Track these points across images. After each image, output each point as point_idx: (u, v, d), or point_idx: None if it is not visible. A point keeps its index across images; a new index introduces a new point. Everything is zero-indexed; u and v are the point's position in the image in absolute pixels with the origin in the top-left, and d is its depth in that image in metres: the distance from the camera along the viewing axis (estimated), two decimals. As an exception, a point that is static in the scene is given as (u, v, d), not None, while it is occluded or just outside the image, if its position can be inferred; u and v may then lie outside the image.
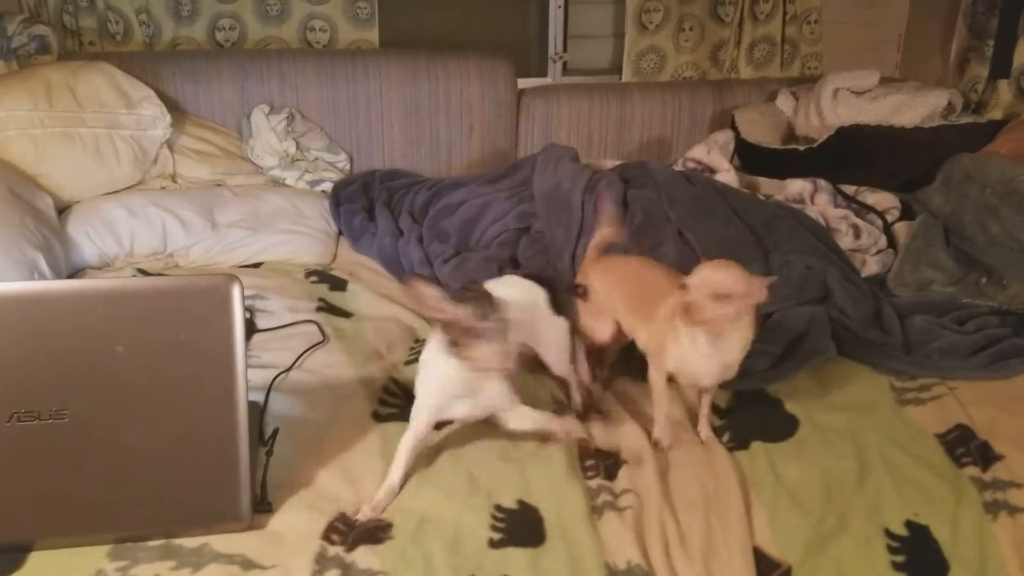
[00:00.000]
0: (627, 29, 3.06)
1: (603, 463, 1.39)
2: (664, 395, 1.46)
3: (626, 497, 1.31)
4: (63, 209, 2.15)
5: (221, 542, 1.17)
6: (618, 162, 2.54)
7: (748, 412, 1.56)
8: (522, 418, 1.36)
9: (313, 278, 2.04)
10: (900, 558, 1.23)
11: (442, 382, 1.30)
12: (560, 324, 1.50)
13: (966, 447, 1.44)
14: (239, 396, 1.16)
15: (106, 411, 1.13)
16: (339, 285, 2.00)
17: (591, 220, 2.04)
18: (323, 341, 1.73)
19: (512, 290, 1.42)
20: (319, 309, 1.86)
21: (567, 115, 2.89)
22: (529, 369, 1.56)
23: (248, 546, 1.17)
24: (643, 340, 1.49)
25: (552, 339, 1.50)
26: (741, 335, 1.35)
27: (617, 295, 1.55)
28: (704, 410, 1.48)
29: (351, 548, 1.19)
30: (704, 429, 1.48)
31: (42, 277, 1.80)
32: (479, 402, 1.32)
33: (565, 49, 3.21)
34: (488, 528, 1.24)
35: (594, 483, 1.34)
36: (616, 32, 3.22)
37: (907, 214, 2.31)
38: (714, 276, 1.29)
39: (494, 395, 1.32)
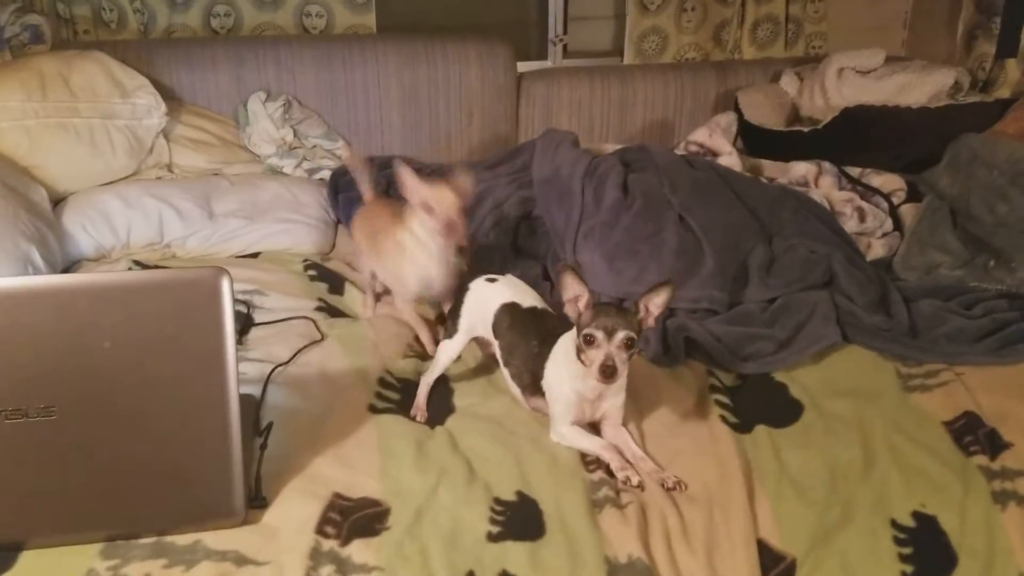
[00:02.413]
0: (628, 10, 3.02)
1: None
2: (418, 319, 1.73)
3: (628, 493, 1.28)
4: (58, 201, 2.13)
5: (214, 539, 1.15)
6: (619, 146, 2.50)
7: (752, 396, 1.54)
8: (613, 432, 1.41)
9: (312, 272, 2.00)
10: (907, 550, 1.21)
11: (570, 382, 1.37)
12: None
13: (974, 435, 1.41)
14: (230, 390, 1.14)
15: (95, 408, 1.11)
16: (337, 288, 1.95)
17: (591, 206, 2.01)
18: (321, 339, 1.69)
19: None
20: (318, 309, 1.83)
21: (568, 99, 2.85)
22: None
23: (241, 542, 1.15)
24: (382, 275, 1.78)
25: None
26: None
27: (365, 244, 1.82)
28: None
29: (345, 542, 1.17)
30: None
31: (36, 271, 1.78)
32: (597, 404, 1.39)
33: (565, 31, 3.16)
34: (487, 521, 1.22)
35: (596, 476, 1.32)
36: (617, 13, 3.18)
37: (913, 196, 2.27)
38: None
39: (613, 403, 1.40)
